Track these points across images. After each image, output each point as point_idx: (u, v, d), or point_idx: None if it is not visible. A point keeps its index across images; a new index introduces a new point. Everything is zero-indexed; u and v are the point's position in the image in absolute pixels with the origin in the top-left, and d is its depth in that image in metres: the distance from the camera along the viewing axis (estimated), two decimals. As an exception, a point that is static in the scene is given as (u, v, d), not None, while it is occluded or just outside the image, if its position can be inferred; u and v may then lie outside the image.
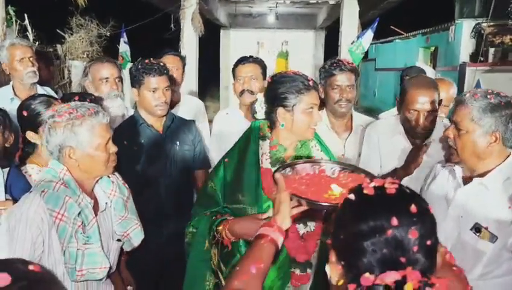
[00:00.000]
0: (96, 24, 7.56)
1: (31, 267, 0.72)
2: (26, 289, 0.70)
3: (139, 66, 2.42)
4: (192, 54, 7.24)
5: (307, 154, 1.87)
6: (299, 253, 1.79)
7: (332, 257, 1.00)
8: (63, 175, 1.62)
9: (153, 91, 2.40)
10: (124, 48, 8.38)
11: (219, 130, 2.87)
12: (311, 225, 1.78)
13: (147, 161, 2.42)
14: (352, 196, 1.01)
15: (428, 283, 0.86)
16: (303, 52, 10.81)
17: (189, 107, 3.17)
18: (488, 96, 1.69)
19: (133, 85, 2.46)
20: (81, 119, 1.62)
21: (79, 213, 1.59)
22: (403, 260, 0.89)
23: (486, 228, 1.68)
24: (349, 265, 0.94)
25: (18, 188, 1.81)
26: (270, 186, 1.73)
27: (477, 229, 1.69)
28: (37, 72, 2.95)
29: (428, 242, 0.92)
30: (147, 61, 2.44)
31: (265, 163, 1.82)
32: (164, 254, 2.34)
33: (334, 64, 2.49)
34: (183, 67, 3.24)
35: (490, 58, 6.51)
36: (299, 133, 1.82)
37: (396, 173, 2.21)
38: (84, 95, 2.37)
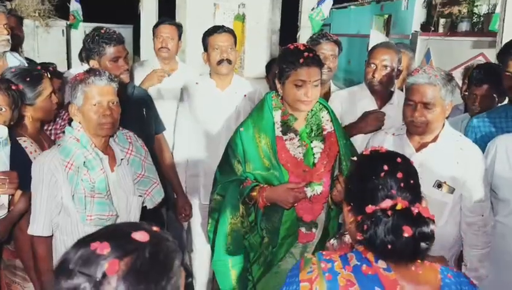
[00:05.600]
0: (48, -20, 7.18)
1: (154, 228, 0.89)
2: (157, 246, 0.86)
3: (97, 37, 2.41)
4: (151, 16, 7.06)
5: (317, 124, 2.04)
6: (306, 213, 1.99)
7: (345, 208, 1.32)
8: (77, 131, 1.88)
9: (115, 60, 2.42)
10: (75, 6, 8.02)
11: (190, 100, 2.84)
12: (318, 189, 1.98)
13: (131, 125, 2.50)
14: (355, 158, 1.36)
15: (414, 206, 1.17)
16: (260, 16, 10.72)
17: (185, 74, 3.20)
18: (442, 73, 1.99)
19: (90, 57, 2.45)
20: None
21: (84, 163, 1.85)
22: (394, 192, 1.20)
23: (445, 183, 2.00)
24: (356, 205, 1.26)
25: (19, 161, 1.93)
26: (281, 153, 1.91)
27: (438, 185, 2.01)
28: (10, 40, 2.82)
29: (412, 181, 1.23)
30: (102, 31, 2.44)
31: (277, 131, 1.98)
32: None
33: (321, 35, 2.80)
34: (180, 36, 3.24)
35: (440, 29, 6.82)
36: (291, 104, 1.98)
37: (349, 129, 2.46)
38: (46, 65, 2.41)
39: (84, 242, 0.85)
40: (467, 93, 2.76)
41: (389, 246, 1.13)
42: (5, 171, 1.87)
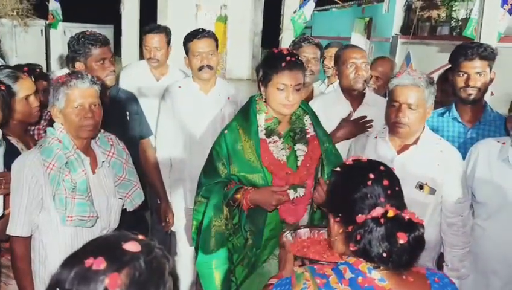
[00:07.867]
0: (26, -21, 7.07)
1: (140, 237, 0.89)
2: (150, 254, 0.86)
3: (82, 38, 2.39)
4: (133, 17, 7.03)
5: (300, 127, 2.06)
6: (289, 215, 2.01)
7: (331, 219, 1.29)
8: (59, 132, 1.88)
9: (101, 62, 2.40)
10: (54, 5, 7.91)
11: (173, 104, 2.80)
12: (301, 191, 1.99)
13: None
14: (338, 169, 1.33)
15: (402, 213, 1.17)
16: (242, 17, 10.78)
17: (174, 78, 3.17)
18: (425, 77, 2.04)
19: (76, 59, 2.42)
20: None
21: (66, 163, 1.85)
22: (382, 200, 1.19)
23: (426, 184, 2.04)
24: (345, 216, 1.24)
25: (14, 158, 1.91)
26: (264, 155, 1.93)
27: (420, 186, 2.05)
28: None
29: (397, 188, 1.24)
30: (87, 32, 2.43)
31: (261, 134, 1.99)
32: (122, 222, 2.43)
33: (303, 38, 2.88)
34: (169, 42, 3.24)
35: (420, 32, 6.94)
36: (273, 108, 2.00)
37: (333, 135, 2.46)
38: (33, 66, 2.39)
39: (75, 259, 0.82)
40: None
41: (385, 255, 1.13)
42: (0, 173, 1.88)
